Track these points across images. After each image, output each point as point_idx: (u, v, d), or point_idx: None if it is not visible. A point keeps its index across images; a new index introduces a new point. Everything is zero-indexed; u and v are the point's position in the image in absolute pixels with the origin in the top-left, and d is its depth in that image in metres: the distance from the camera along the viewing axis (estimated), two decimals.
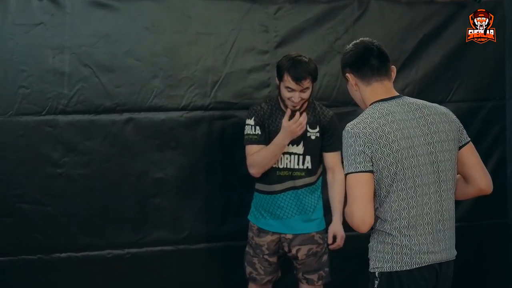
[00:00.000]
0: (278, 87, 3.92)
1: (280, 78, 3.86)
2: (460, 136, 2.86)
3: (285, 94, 3.84)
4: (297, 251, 3.97)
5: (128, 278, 4.26)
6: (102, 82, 4.15)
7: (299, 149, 3.94)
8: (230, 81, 4.36)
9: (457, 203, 2.92)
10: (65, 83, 4.10)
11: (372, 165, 2.69)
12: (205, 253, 4.38)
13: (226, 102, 4.36)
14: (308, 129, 3.94)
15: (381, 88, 2.83)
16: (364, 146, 2.69)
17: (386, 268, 2.75)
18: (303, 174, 3.96)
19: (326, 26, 4.55)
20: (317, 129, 3.97)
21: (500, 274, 4.92)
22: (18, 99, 4.03)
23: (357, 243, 4.51)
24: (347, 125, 2.79)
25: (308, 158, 3.96)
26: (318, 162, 4.00)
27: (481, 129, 4.82)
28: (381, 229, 2.77)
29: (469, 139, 2.89)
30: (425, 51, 4.70)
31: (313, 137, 3.96)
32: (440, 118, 2.83)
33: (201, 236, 4.36)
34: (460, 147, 2.85)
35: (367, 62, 2.82)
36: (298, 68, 3.79)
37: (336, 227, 3.89)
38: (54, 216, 4.10)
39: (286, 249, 4.00)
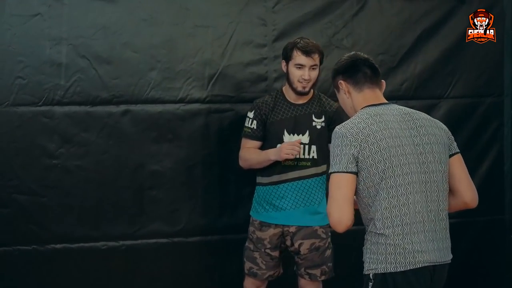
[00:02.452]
0: (286, 72, 3.96)
1: (289, 58, 3.91)
2: (450, 145, 2.88)
3: (295, 73, 3.89)
4: (300, 245, 3.96)
5: (123, 270, 4.26)
6: (99, 73, 4.14)
7: (305, 138, 3.95)
8: (227, 74, 4.35)
9: None
10: (62, 74, 4.09)
11: (357, 166, 2.71)
12: (200, 246, 4.38)
13: (223, 95, 4.35)
14: (314, 118, 3.97)
15: (372, 95, 2.87)
16: (351, 145, 2.72)
17: (380, 269, 2.74)
18: (309, 164, 3.95)
19: (324, 20, 4.54)
20: (323, 119, 3.99)
21: (497, 270, 4.92)
22: (14, 90, 4.03)
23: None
24: (337, 126, 2.81)
25: (314, 148, 3.95)
26: (324, 153, 3.94)
27: (479, 125, 4.81)
28: (373, 230, 2.76)
29: (459, 150, 2.90)
30: (424, 46, 4.69)
31: (318, 127, 3.98)
32: (430, 123, 2.86)
33: (197, 229, 4.35)
34: (450, 156, 2.86)
35: (361, 69, 2.88)
36: (306, 43, 3.90)
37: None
38: (50, 207, 4.10)
39: (288, 243, 3.98)
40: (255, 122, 3.99)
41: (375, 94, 2.88)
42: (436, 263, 2.76)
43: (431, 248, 2.75)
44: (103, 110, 4.17)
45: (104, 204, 4.19)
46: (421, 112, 2.90)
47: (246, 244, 4.07)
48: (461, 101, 4.77)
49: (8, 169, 4.04)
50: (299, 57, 3.87)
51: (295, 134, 3.94)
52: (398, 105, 2.89)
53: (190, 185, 4.31)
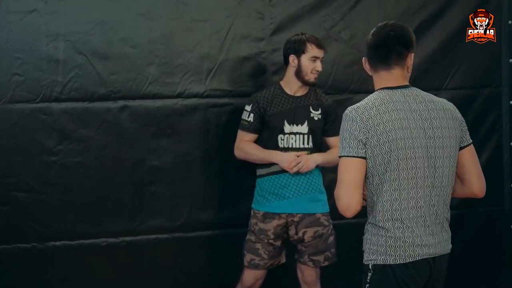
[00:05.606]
0: (298, 65, 4.04)
1: (302, 51, 4.04)
2: (463, 137, 2.84)
3: (309, 66, 4.03)
4: (304, 233, 4.04)
5: (123, 266, 4.25)
6: (97, 69, 4.12)
7: (304, 128, 4.06)
8: (225, 68, 4.35)
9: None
10: (60, 71, 4.07)
11: (366, 151, 2.68)
12: (201, 241, 4.37)
13: (222, 90, 4.34)
14: (312, 110, 4.10)
15: (388, 76, 2.81)
16: (360, 131, 2.68)
17: (380, 260, 2.74)
18: (308, 153, 4.05)
19: (322, 13, 4.53)
20: (319, 111, 4.11)
21: (497, 261, 4.93)
22: (12, 87, 4.00)
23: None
24: (348, 108, 2.78)
25: (311, 137, 4.07)
26: (319, 143, 4.11)
27: (478, 116, 4.82)
28: (374, 222, 2.76)
29: (471, 141, 2.88)
30: (422, 38, 4.67)
31: (316, 118, 4.09)
32: (445, 114, 2.80)
33: (197, 224, 4.35)
34: (461, 148, 2.83)
35: (376, 51, 2.82)
36: (315, 37, 4.10)
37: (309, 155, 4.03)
38: (49, 204, 4.08)
39: (292, 231, 4.04)
40: (252, 115, 4.07)
41: (392, 75, 2.81)
42: (436, 255, 2.77)
43: (432, 242, 2.75)
44: (101, 106, 4.15)
45: (103, 200, 4.18)
46: (439, 100, 2.84)
47: (247, 236, 4.09)
48: (459, 92, 4.77)
49: (7, 167, 4.02)
50: (314, 50, 4.02)
51: (295, 125, 4.04)
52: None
53: (190, 180, 4.31)
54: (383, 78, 2.82)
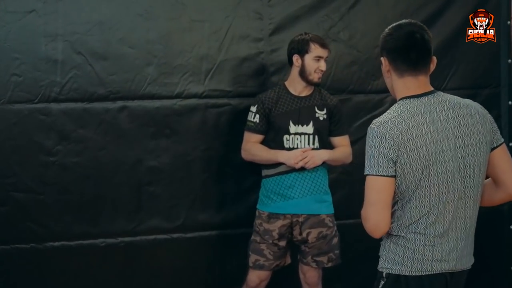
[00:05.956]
0: (302, 65, 4.04)
1: (305, 51, 4.03)
2: (493, 138, 2.67)
3: (313, 66, 4.03)
4: (308, 234, 4.03)
5: (122, 267, 4.25)
6: (95, 69, 4.12)
7: (309, 128, 4.05)
8: (224, 68, 4.34)
9: None
10: (58, 71, 4.07)
11: (395, 169, 2.54)
12: (200, 241, 4.37)
13: (221, 90, 4.34)
14: (317, 110, 4.09)
15: (414, 83, 2.61)
16: (390, 149, 2.52)
17: (395, 270, 2.63)
18: (315, 148, 4.04)
19: (320, 14, 4.53)
20: (325, 111, 4.10)
21: (496, 261, 4.92)
22: (10, 87, 4.00)
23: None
24: (373, 121, 2.59)
25: (317, 138, 4.06)
26: (326, 143, 4.11)
27: None
28: (396, 233, 2.64)
29: (503, 140, 2.70)
30: None
31: (321, 118, 4.08)
32: (473, 119, 2.62)
33: (196, 224, 4.34)
34: (492, 149, 2.67)
35: (404, 54, 2.61)
36: (319, 36, 4.12)
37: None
38: (48, 204, 4.08)
39: (296, 232, 4.04)
40: (257, 116, 4.06)
41: (418, 82, 2.61)
42: (455, 271, 2.66)
43: (453, 257, 2.63)
44: (100, 106, 4.15)
45: (102, 200, 4.18)
46: (466, 103, 2.65)
47: (252, 237, 4.09)
48: (458, 92, 4.66)
49: (5, 167, 4.02)
50: (317, 49, 4.03)
51: (300, 125, 4.04)
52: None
53: (189, 180, 4.30)
54: (408, 84, 2.62)
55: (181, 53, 4.27)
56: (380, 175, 2.53)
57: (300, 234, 4.04)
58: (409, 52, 2.60)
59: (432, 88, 2.65)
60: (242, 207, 4.32)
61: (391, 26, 2.67)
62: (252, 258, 4.06)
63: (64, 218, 4.12)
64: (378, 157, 2.53)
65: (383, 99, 4.60)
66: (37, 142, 4.05)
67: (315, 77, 4.05)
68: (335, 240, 4.08)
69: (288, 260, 4.16)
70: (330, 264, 4.08)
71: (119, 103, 4.17)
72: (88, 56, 4.10)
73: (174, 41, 4.26)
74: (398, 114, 2.57)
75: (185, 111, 4.28)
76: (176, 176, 4.28)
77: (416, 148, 2.53)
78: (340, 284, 4.53)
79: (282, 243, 4.05)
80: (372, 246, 4.73)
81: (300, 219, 4.03)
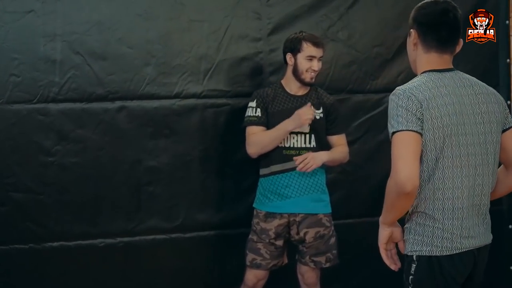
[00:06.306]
0: (294, 64, 4.01)
1: (298, 50, 3.99)
2: (505, 119, 2.74)
3: (305, 65, 3.99)
4: (305, 234, 4.01)
5: (121, 267, 4.24)
6: (94, 69, 4.12)
7: (305, 127, 4.01)
8: (223, 68, 4.34)
9: None
10: (57, 71, 4.07)
11: (422, 129, 2.55)
12: (199, 241, 4.36)
13: (219, 90, 4.34)
14: (313, 109, 4.03)
15: (438, 60, 2.68)
16: (417, 110, 2.54)
17: (426, 252, 2.64)
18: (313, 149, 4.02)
19: (319, 13, 4.53)
20: (321, 110, 4.07)
21: (495, 260, 4.91)
22: (9, 87, 4.00)
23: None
24: (398, 88, 2.62)
25: (314, 136, 4.03)
26: (323, 142, 4.07)
27: None
28: (422, 210, 2.64)
29: None
30: None
31: (317, 117, 4.04)
32: (490, 98, 2.70)
33: (195, 224, 4.34)
34: (504, 131, 2.73)
35: (436, 30, 2.66)
36: (312, 35, 4.05)
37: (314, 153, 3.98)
38: (47, 204, 4.08)
39: (293, 232, 4.02)
40: (259, 109, 4.03)
41: (442, 59, 2.68)
42: (481, 246, 2.70)
43: (477, 233, 2.67)
44: (98, 106, 4.15)
45: (101, 201, 4.17)
46: (482, 83, 2.74)
47: (250, 236, 4.08)
48: None
49: (4, 167, 4.02)
50: (310, 48, 3.98)
51: None
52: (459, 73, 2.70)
53: (188, 180, 4.30)
54: (432, 60, 2.68)
55: (180, 53, 4.27)
56: (409, 130, 2.52)
57: (298, 233, 4.02)
58: (440, 29, 2.65)
59: (453, 67, 2.70)
60: (241, 207, 4.32)
61: (426, 1, 2.71)
62: (249, 257, 4.05)
63: (63, 218, 4.12)
64: (407, 114, 2.54)
65: (381, 99, 4.60)
66: (36, 142, 4.05)
67: (307, 76, 4.01)
68: (333, 240, 4.07)
69: (285, 260, 4.15)
70: (328, 265, 4.06)
71: (118, 103, 4.17)
72: (87, 56, 4.10)
73: (173, 41, 4.26)
74: (423, 83, 2.61)
75: (184, 111, 4.27)
76: (175, 176, 4.28)
77: (440, 116, 2.56)
78: (339, 284, 4.53)
79: (279, 243, 4.04)
80: (370, 246, 4.75)
81: (297, 219, 4.02)
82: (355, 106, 4.58)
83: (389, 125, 2.59)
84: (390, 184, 2.56)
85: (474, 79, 2.73)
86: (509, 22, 4.85)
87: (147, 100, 4.22)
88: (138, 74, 4.20)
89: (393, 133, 2.55)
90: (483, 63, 4.84)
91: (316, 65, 4.00)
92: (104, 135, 4.16)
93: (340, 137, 4.14)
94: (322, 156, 3.98)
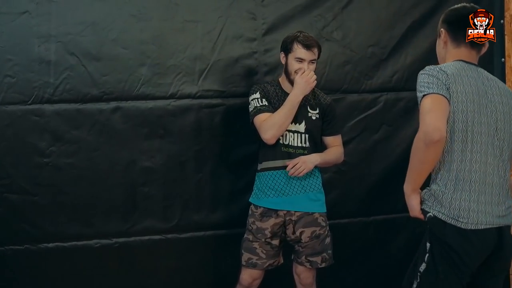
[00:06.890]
0: (285, 64, 3.99)
1: (289, 51, 3.96)
2: None
3: (294, 66, 3.94)
4: (301, 233, 4.01)
5: (116, 268, 4.24)
6: (89, 70, 4.11)
7: (301, 127, 3.99)
8: (218, 69, 4.34)
9: None
10: (51, 72, 4.06)
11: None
12: (194, 242, 4.36)
13: (214, 90, 4.33)
14: (309, 109, 4.03)
15: (467, 53, 2.99)
16: (446, 80, 2.78)
17: (440, 215, 2.81)
18: (305, 152, 4.00)
19: (314, 13, 4.53)
20: (317, 111, 4.05)
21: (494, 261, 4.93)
22: (3, 89, 4.00)
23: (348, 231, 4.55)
24: (427, 67, 2.87)
25: (307, 137, 4.01)
26: (317, 143, 4.06)
27: None
28: (447, 175, 2.83)
29: None
30: (414, 37, 4.69)
31: (313, 118, 4.03)
32: (506, 92, 2.99)
33: (190, 225, 4.34)
34: None
35: (466, 28, 3.00)
36: (306, 37, 3.96)
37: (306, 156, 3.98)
38: (42, 206, 4.07)
39: (289, 231, 4.02)
40: (264, 99, 3.99)
41: (470, 54, 2.98)
42: (502, 225, 2.83)
43: (497, 212, 2.81)
44: (93, 107, 4.14)
45: (96, 201, 4.17)
46: (500, 82, 3.02)
47: (245, 235, 4.07)
48: None
49: None
50: (299, 50, 3.92)
51: (293, 123, 3.97)
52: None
53: (183, 181, 4.30)
54: (461, 53, 2.97)
55: (174, 53, 4.27)
56: (438, 93, 2.75)
57: (294, 233, 4.02)
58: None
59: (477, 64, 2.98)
60: (236, 207, 4.32)
61: (455, 6, 3.06)
62: (245, 256, 4.05)
63: (58, 219, 4.11)
64: (437, 82, 2.77)
65: (376, 99, 4.61)
66: (30, 143, 4.05)
67: (295, 77, 3.94)
68: (328, 240, 4.07)
69: (281, 260, 4.14)
70: (323, 265, 4.06)
71: (113, 104, 4.17)
72: (81, 57, 4.10)
73: (167, 42, 4.26)
74: (452, 64, 2.88)
75: (178, 112, 4.27)
76: (170, 176, 4.28)
77: (466, 101, 2.81)
78: (335, 284, 4.54)
79: (275, 242, 4.04)
80: (366, 246, 4.77)
81: (294, 217, 4.01)
82: (350, 106, 4.59)
83: (418, 94, 2.81)
84: (419, 136, 2.74)
85: (494, 77, 3.00)
86: (503, 22, 4.86)
87: (142, 101, 4.21)
88: (132, 75, 4.20)
89: (423, 96, 2.76)
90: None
91: (305, 67, 3.92)
92: (99, 136, 4.15)
93: (336, 138, 4.14)
94: (313, 159, 3.96)
